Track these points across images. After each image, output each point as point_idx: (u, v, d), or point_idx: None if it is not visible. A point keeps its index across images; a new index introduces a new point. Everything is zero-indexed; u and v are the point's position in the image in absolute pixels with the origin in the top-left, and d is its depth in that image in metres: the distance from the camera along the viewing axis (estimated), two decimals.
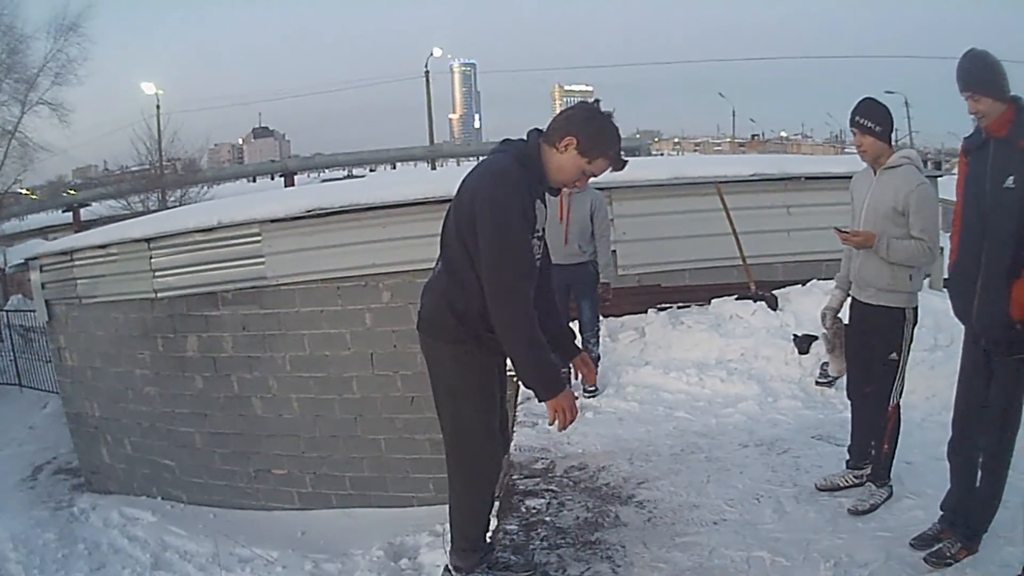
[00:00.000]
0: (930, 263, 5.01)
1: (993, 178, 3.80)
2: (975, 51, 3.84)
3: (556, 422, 3.70)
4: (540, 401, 3.71)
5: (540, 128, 3.78)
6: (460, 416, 3.88)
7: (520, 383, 3.91)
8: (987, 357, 3.98)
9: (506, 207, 3.53)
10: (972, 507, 4.16)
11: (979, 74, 3.82)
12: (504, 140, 3.89)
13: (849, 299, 5.16)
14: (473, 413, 3.87)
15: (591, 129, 3.64)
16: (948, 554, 4.14)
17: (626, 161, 3.81)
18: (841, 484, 5.20)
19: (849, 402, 5.38)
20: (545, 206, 3.83)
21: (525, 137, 3.80)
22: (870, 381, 5.00)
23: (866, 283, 4.88)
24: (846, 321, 5.32)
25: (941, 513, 4.42)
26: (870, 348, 4.96)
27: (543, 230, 3.84)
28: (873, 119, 4.70)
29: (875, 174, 4.84)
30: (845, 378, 5.49)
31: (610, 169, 3.75)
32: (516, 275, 3.55)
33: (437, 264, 3.88)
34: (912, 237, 4.67)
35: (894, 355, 4.84)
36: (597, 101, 3.74)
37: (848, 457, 5.30)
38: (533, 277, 3.71)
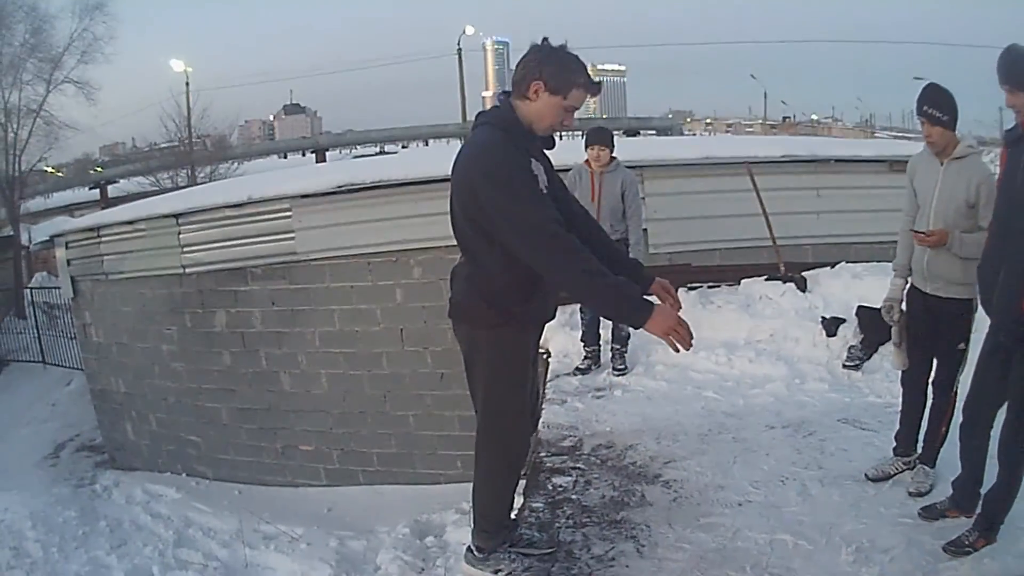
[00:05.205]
0: None
1: (1023, 173, 3.78)
2: (1016, 46, 3.79)
3: (678, 345, 3.46)
4: (637, 328, 3.56)
5: (508, 90, 3.74)
6: (493, 398, 3.86)
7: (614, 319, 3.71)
8: (1005, 348, 3.96)
9: (505, 173, 3.50)
10: (990, 497, 4.16)
11: (1017, 69, 3.77)
12: (479, 113, 3.86)
13: (907, 287, 5.08)
14: (507, 396, 3.85)
15: (551, 67, 3.59)
16: (966, 543, 4.14)
17: (599, 83, 3.76)
18: (893, 472, 5.17)
19: (899, 389, 5.30)
20: (543, 164, 3.77)
21: (498, 103, 3.76)
22: (932, 371, 4.99)
23: (935, 276, 4.80)
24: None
25: (951, 491, 4.48)
26: (936, 338, 4.92)
27: (550, 188, 3.76)
28: (941, 108, 4.59)
29: (941, 165, 4.73)
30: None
31: (588, 96, 3.69)
32: (541, 219, 3.47)
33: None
34: (980, 228, 4.54)
35: (962, 344, 4.81)
36: (546, 39, 3.67)
37: (896, 445, 5.25)
38: (559, 219, 3.56)
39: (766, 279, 9.28)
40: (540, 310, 3.85)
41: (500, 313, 3.72)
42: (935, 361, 4.96)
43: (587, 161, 7.67)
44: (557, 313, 4.08)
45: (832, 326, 8.02)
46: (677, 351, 3.50)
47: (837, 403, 6.82)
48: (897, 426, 5.26)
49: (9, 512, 12.15)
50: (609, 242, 4.09)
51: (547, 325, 4.05)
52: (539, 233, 3.46)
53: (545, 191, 3.68)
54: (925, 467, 5.01)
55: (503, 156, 3.53)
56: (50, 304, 22.50)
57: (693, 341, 3.48)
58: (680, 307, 3.77)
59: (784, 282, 9.07)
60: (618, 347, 7.92)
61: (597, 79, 3.73)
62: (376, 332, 11.19)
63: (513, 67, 3.77)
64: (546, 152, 3.84)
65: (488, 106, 3.91)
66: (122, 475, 13.89)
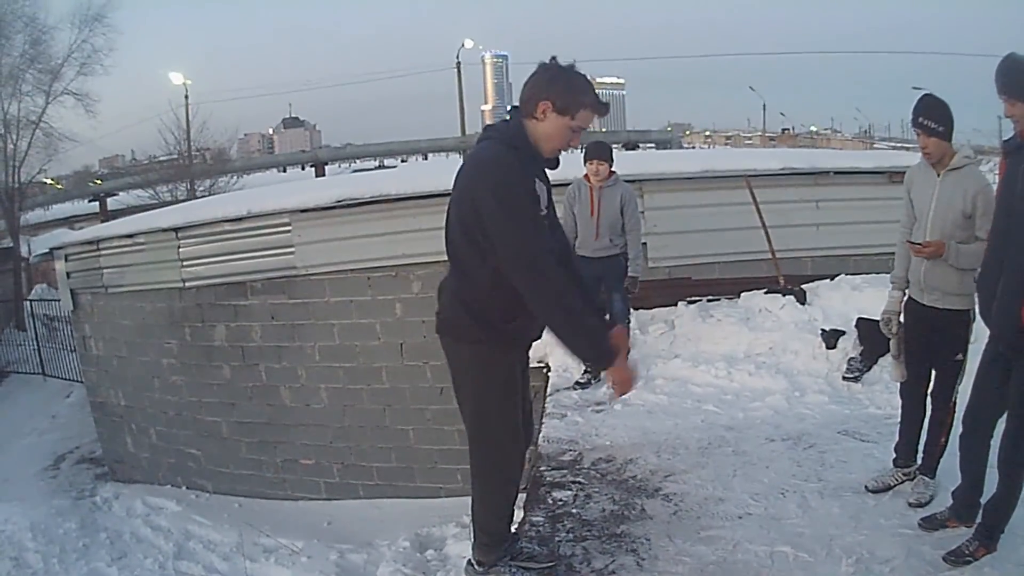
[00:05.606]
0: None
1: (1022, 182, 3.78)
2: (1015, 56, 3.79)
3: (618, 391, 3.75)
4: (598, 368, 3.67)
5: (517, 105, 3.73)
6: (482, 414, 3.89)
7: (579, 359, 3.88)
8: (1005, 358, 3.97)
9: (508, 191, 3.50)
10: (990, 506, 4.16)
11: (1016, 79, 3.77)
12: (486, 127, 3.87)
13: (904, 299, 5.07)
14: (495, 410, 3.87)
15: (559, 87, 3.58)
16: (967, 552, 4.14)
17: (606, 103, 3.74)
18: (892, 483, 5.16)
19: (898, 401, 5.29)
20: (545, 185, 3.78)
21: (507, 117, 3.76)
22: (930, 382, 4.99)
23: (932, 288, 4.79)
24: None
25: (951, 501, 4.49)
26: (934, 350, 4.92)
27: (548, 210, 3.80)
28: (937, 119, 4.59)
29: (938, 176, 4.73)
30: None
31: (595, 116, 3.70)
32: (536, 251, 3.50)
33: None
34: (977, 239, 4.56)
35: (960, 355, 4.82)
36: (554, 58, 3.67)
37: (895, 456, 5.24)
38: (551, 250, 3.65)
39: (765, 292, 9.28)
40: (525, 329, 3.84)
41: (484, 329, 3.74)
42: (933, 372, 4.96)
43: (586, 175, 7.69)
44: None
45: (831, 338, 8.02)
46: (617, 396, 3.85)
47: (837, 415, 6.82)
48: (897, 437, 5.25)
49: (9, 523, 12.16)
50: (581, 280, 4.06)
51: (546, 340, 4.05)
52: (530, 262, 3.50)
53: (545, 211, 3.71)
54: (925, 478, 5.00)
55: (509, 174, 3.54)
56: (50, 316, 22.58)
57: (633, 392, 3.94)
58: (628, 354, 3.90)
59: (783, 295, 9.08)
60: None
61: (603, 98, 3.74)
62: (376, 346, 11.19)
63: (512, 81, 3.80)
64: (547, 171, 3.84)
65: (487, 120, 3.92)
66: (122, 487, 13.89)
